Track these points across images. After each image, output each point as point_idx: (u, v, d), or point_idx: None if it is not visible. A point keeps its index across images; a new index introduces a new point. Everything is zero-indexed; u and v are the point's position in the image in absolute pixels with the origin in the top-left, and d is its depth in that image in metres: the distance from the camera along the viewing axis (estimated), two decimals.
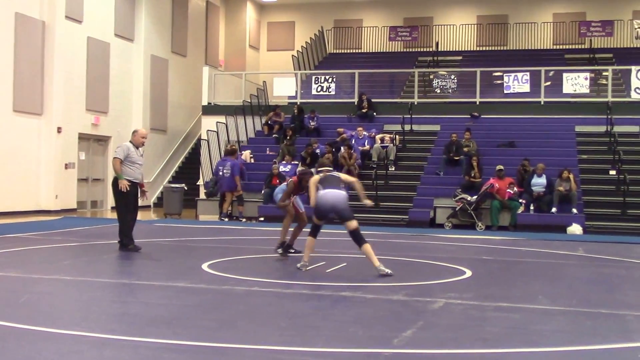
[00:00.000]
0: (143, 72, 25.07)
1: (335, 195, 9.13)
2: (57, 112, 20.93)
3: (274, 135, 22.83)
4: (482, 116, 22.44)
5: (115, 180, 10.83)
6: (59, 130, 20.91)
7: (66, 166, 21.31)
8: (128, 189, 10.65)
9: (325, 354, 5.03)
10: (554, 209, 17.37)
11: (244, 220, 18.85)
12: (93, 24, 22.82)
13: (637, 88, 21.84)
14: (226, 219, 18.69)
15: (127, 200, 10.82)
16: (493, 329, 5.99)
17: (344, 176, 9.68)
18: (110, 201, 23.61)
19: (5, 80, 19.56)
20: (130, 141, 11.08)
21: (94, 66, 22.85)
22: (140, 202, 11.41)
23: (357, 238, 8.98)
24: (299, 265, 9.19)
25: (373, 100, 23.52)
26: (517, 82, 22.65)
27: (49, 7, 20.80)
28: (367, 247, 8.95)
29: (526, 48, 29.93)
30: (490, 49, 30.49)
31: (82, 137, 22.44)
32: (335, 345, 5.27)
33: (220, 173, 19.10)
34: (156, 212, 22.91)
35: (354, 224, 8.99)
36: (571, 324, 6.34)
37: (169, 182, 24.80)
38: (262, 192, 19.33)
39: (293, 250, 10.72)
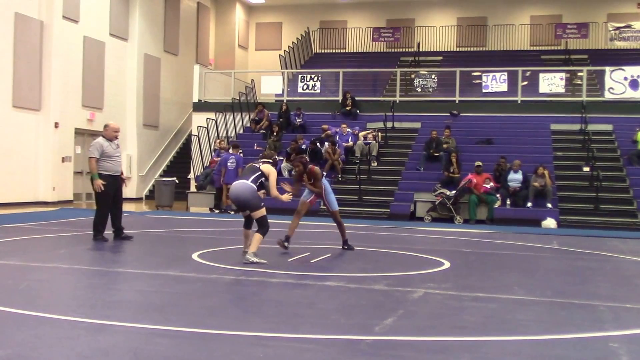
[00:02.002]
0: (136, 70, 24.97)
1: (237, 186, 8.87)
2: (54, 108, 20.85)
3: (261, 132, 22.81)
4: (461, 114, 22.51)
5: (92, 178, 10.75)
6: (56, 125, 20.82)
7: (63, 160, 21.23)
8: (102, 188, 10.55)
9: (309, 340, 5.04)
10: (529, 204, 17.47)
11: (232, 212, 18.81)
12: (89, 24, 22.72)
13: (611, 88, 21.97)
14: (232, 212, 18.70)
15: (106, 196, 10.70)
16: (470, 317, 6.02)
17: (264, 167, 9.16)
18: None
19: (5, 77, 19.47)
20: (103, 136, 10.92)
21: (90, 64, 22.75)
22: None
23: (257, 224, 8.86)
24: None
25: (357, 98, 23.54)
26: (495, 82, 22.73)
27: (46, 7, 20.71)
28: (258, 235, 8.78)
29: (504, 49, 30.02)
30: (469, 49, 30.56)
31: (78, 132, 22.34)
32: (319, 332, 5.29)
33: (228, 165, 19.13)
34: (148, 204, 22.83)
35: (256, 214, 8.85)
36: (546, 313, 6.37)
37: (161, 175, 24.74)
38: None
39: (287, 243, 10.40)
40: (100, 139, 10.86)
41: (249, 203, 8.83)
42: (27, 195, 20.19)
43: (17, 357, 4.40)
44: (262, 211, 8.88)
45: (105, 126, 11.09)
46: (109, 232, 11.15)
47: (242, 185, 8.84)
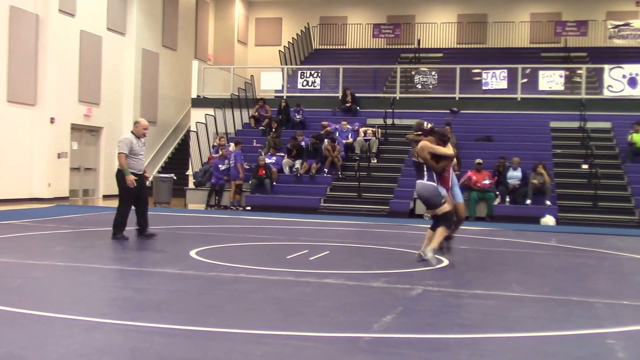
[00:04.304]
0: (134, 65, 24.91)
1: (419, 186, 9.04)
2: (50, 103, 20.79)
3: (260, 128, 22.79)
4: (461, 111, 22.49)
5: (119, 172, 10.62)
6: (52, 120, 20.77)
7: (59, 155, 21.16)
8: (135, 184, 10.46)
9: (308, 338, 5.03)
10: (528, 201, 17.48)
11: (233, 208, 18.82)
12: (86, 18, 22.62)
13: (610, 86, 21.98)
14: (238, 208, 18.69)
15: (130, 194, 10.61)
16: (469, 315, 6.02)
17: (418, 150, 9.03)
18: (102, 189, 23.60)
19: None
20: (132, 132, 10.84)
21: (87, 59, 22.67)
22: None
23: (441, 220, 8.91)
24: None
25: (357, 94, 23.51)
26: (495, 79, 22.72)
27: (42, 0, 20.60)
28: (441, 229, 8.86)
29: (504, 46, 29.98)
30: (469, 46, 30.54)
31: (75, 128, 22.28)
32: (318, 329, 5.28)
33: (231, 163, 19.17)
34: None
35: (439, 210, 8.93)
36: (544, 310, 6.38)
37: (159, 172, 24.68)
38: (250, 182, 19.33)
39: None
40: (129, 135, 10.75)
41: (430, 201, 8.99)
42: (22, 191, 20.14)
43: (11, 356, 4.38)
44: (445, 207, 8.94)
45: (136, 123, 10.99)
46: (105, 228, 11.14)
47: (422, 185, 9.01)
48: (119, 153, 10.62)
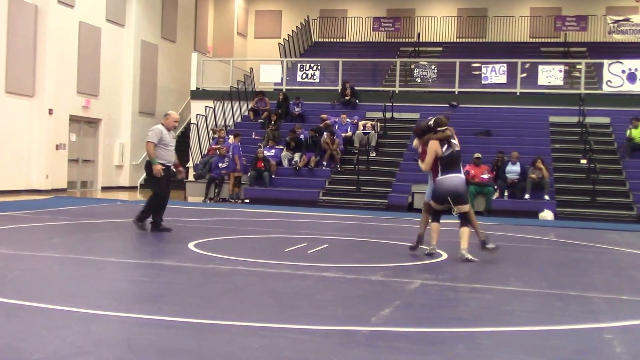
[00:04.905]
0: (133, 57, 24.85)
1: (457, 179, 8.87)
2: (48, 94, 20.75)
3: (259, 121, 22.76)
4: (460, 105, 22.47)
5: (148, 163, 10.55)
6: (50, 111, 20.73)
7: (57, 147, 21.12)
8: (162, 174, 10.41)
9: (305, 331, 5.02)
10: (526, 196, 17.49)
11: (232, 201, 18.80)
12: (85, 9, 22.56)
13: (609, 81, 21.96)
14: (237, 201, 18.66)
15: (160, 184, 10.55)
16: (467, 309, 6.02)
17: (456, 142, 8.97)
18: (100, 181, 23.57)
19: None
20: (162, 124, 10.78)
21: (86, 50, 22.61)
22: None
23: (464, 219, 8.85)
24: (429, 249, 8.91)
25: (356, 88, 23.48)
26: (494, 73, 22.70)
27: None
28: (467, 229, 8.83)
29: (504, 40, 29.96)
30: (469, 40, 30.49)
31: (73, 119, 22.23)
32: (316, 322, 5.27)
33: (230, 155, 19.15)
34: (143, 193, 22.76)
35: (464, 208, 8.82)
36: (541, 305, 6.37)
37: None
38: (248, 174, 19.32)
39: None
40: (160, 126, 10.69)
41: (462, 197, 8.87)
42: (20, 183, 20.12)
43: (7, 347, 4.37)
44: (468, 205, 8.92)
45: (166, 115, 10.93)
46: (103, 220, 11.12)
47: (460, 178, 8.92)
48: (147, 142, 10.54)
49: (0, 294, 5.84)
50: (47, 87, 20.70)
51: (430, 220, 9.15)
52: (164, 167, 10.46)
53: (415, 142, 9.50)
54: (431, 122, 9.18)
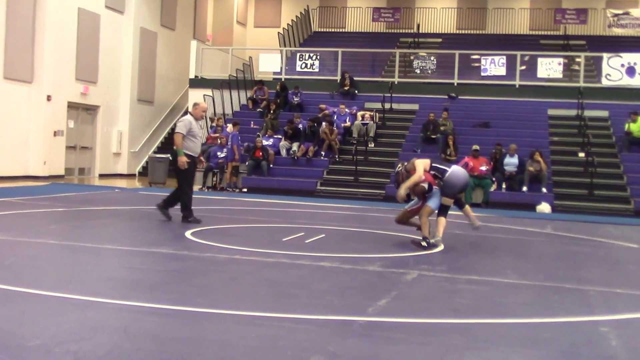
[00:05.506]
0: (132, 44, 24.74)
1: (464, 173, 9.34)
2: (47, 81, 20.69)
3: (258, 110, 22.71)
4: (459, 97, 22.45)
5: (174, 154, 10.47)
6: (48, 98, 20.67)
7: (55, 133, 21.07)
8: (187, 166, 10.33)
9: (302, 320, 5.03)
10: (524, 188, 17.49)
11: (229, 190, 18.79)
12: None
13: (608, 75, 21.93)
14: (234, 190, 18.66)
15: (188, 174, 10.49)
16: (463, 300, 6.02)
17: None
18: (98, 169, 23.53)
19: None
20: (190, 113, 10.69)
21: (84, 37, 22.50)
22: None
23: (445, 211, 9.16)
24: (433, 240, 8.97)
25: (355, 78, 23.44)
26: (493, 65, 22.66)
27: None
28: (445, 220, 9.13)
29: (503, 33, 29.92)
30: (469, 32, 30.44)
31: (71, 106, 22.16)
32: (312, 312, 5.28)
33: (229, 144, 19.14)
34: (141, 181, 22.76)
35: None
36: (537, 297, 6.38)
37: (155, 152, 24.64)
38: (247, 163, 19.30)
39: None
40: (189, 117, 10.58)
41: (462, 190, 9.37)
42: (17, 169, 20.07)
43: (4, 333, 4.37)
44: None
45: (195, 105, 10.84)
46: (100, 207, 11.10)
47: (465, 173, 9.34)
48: (176, 133, 10.45)
49: None
50: (45, 74, 20.63)
51: (437, 217, 9.15)
52: (189, 160, 10.38)
53: (402, 191, 9.12)
54: (402, 168, 9.34)
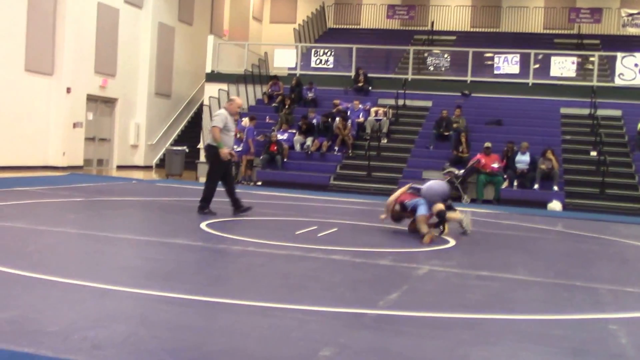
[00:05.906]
0: (150, 39, 24.84)
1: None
2: (66, 73, 20.82)
3: (273, 105, 22.74)
4: (472, 95, 22.36)
5: (209, 146, 10.43)
6: (68, 90, 20.80)
7: (74, 125, 21.23)
8: (229, 157, 10.30)
9: (313, 312, 5.04)
10: (536, 186, 17.41)
11: (244, 183, 18.84)
12: None
13: (621, 74, 21.77)
14: (249, 183, 18.71)
15: (219, 170, 10.45)
16: (473, 296, 6.01)
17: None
18: (116, 160, 23.66)
19: (18, 41, 19.42)
20: (225, 108, 10.66)
21: (104, 31, 22.62)
22: None
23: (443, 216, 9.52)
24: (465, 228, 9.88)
25: (369, 75, 23.40)
26: (507, 64, 22.55)
27: None
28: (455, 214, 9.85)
29: (517, 31, 29.76)
30: (483, 30, 30.31)
31: (90, 98, 22.30)
32: (324, 304, 5.29)
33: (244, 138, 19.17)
34: (158, 173, 22.87)
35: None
36: (547, 294, 6.36)
37: (172, 144, 24.75)
38: (261, 157, 19.34)
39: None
40: (224, 111, 10.54)
41: (445, 197, 9.76)
42: (37, 159, 20.24)
43: (23, 319, 4.42)
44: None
45: (230, 100, 10.81)
46: (117, 198, 11.16)
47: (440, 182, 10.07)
48: (213, 126, 10.37)
49: (17, 267, 5.89)
50: (65, 66, 20.76)
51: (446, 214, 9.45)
52: (230, 151, 10.38)
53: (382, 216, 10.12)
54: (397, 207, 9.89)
